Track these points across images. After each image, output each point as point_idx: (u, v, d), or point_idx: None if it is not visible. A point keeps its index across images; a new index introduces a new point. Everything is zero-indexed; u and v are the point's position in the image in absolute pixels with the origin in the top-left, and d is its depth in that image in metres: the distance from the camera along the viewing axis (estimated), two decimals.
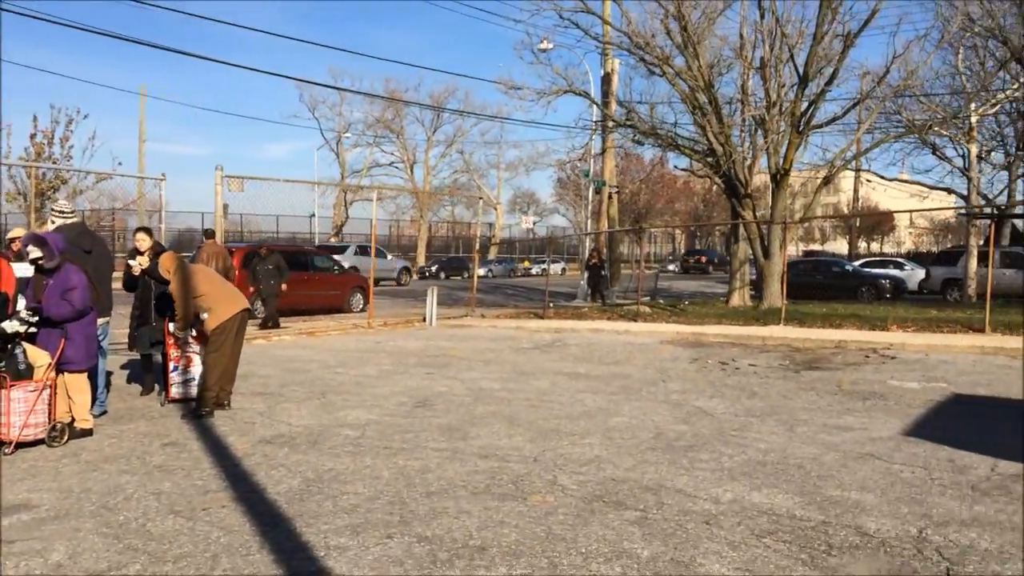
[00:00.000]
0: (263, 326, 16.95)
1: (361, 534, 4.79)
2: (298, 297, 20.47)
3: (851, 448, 7.00)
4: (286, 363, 12.24)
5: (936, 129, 23.79)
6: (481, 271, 48.08)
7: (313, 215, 55.37)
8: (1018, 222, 39.18)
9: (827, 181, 21.31)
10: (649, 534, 4.80)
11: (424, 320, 19.23)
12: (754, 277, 23.31)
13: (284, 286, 17.55)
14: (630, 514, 5.17)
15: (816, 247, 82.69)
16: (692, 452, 6.85)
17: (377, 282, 40.03)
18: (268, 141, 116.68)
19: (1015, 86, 23.14)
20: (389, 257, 43.00)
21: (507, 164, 76.88)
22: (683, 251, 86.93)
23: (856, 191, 53.70)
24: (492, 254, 62.43)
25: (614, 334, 16.72)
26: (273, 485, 5.81)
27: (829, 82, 19.55)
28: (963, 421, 8.16)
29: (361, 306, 22.27)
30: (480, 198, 31.18)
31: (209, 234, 14.77)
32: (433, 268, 51.90)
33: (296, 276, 20.61)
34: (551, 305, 23.14)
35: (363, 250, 42.97)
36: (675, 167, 48.19)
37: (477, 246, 26.08)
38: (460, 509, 5.26)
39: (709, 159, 20.81)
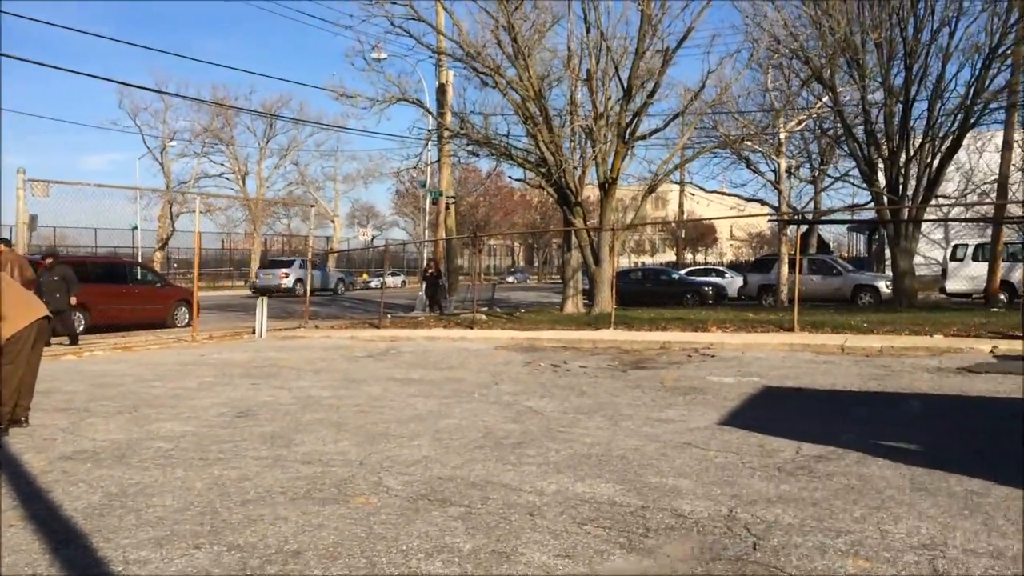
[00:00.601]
0: (73, 342, 15.76)
1: (165, 546, 4.47)
2: (116, 311, 19.27)
3: (671, 438, 7.24)
4: (96, 378, 11.42)
5: (749, 144, 25.33)
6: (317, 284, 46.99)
7: (135, 228, 52.43)
8: (824, 232, 42.26)
9: (652, 190, 22.24)
10: (472, 528, 4.75)
11: (254, 332, 18.52)
12: (587, 286, 23.96)
13: (73, 299, 16.18)
14: (454, 510, 5.11)
15: (647, 259, 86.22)
16: (520, 449, 6.88)
17: (314, 292, 38.73)
18: (86, 152, 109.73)
19: (818, 104, 25.00)
20: (328, 270, 42.19)
21: (344, 176, 75.68)
22: (522, 263, 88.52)
23: (681, 204, 56.40)
24: (330, 268, 61.17)
25: (450, 341, 16.70)
26: (71, 501, 5.35)
27: (651, 95, 20.44)
28: (773, 410, 8.63)
29: (187, 320, 21.19)
30: (312, 206, 30.48)
31: (5, 242, 13.62)
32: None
33: (113, 289, 19.43)
34: (388, 315, 22.87)
35: (305, 264, 41.61)
36: (510, 178, 48.96)
37: (310, 255, 25.44)
38: (277, 515, 5.02)
39: (542, 169, 21.23)
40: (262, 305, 18.71)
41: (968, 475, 5.87)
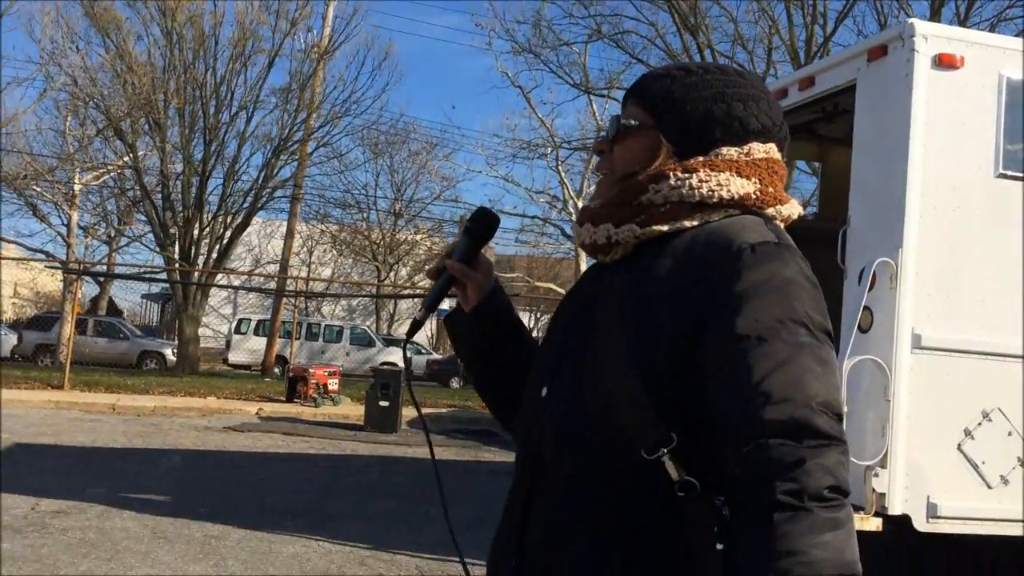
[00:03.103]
0: None
1: None
2: None
3: None
4: None
5: (38, 190, 23.27)
6: None
7: None
8: (119, 299, 40.98)
9: None
10: None
11: None
12: None
13: None
14: None
15: None
16: None
17: None
18: None
19: (118, 162, 24.24)
20: None
21: None
22: None
23: None
24: None
25: None
26: None
27: None
28: (17, 468, 7.68)
29: None
30: None
31: None
32: None
33: None
34: None
35: None
36: None
37: None
38: None
39: None
40: None
41: (211, 522, 5.96)
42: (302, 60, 22.92)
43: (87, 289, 34.60)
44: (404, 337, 1.54)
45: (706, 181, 1.26)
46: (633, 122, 1.33)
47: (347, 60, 24.45)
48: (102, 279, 32.88)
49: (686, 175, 1.27)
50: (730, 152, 1.29)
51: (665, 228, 1.26)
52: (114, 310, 39.83)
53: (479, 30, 23.29)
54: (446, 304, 1.58)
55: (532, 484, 1.27)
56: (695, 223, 1.26)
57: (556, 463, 1.24)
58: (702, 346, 1.16)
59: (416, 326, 1.45)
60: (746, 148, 1.30)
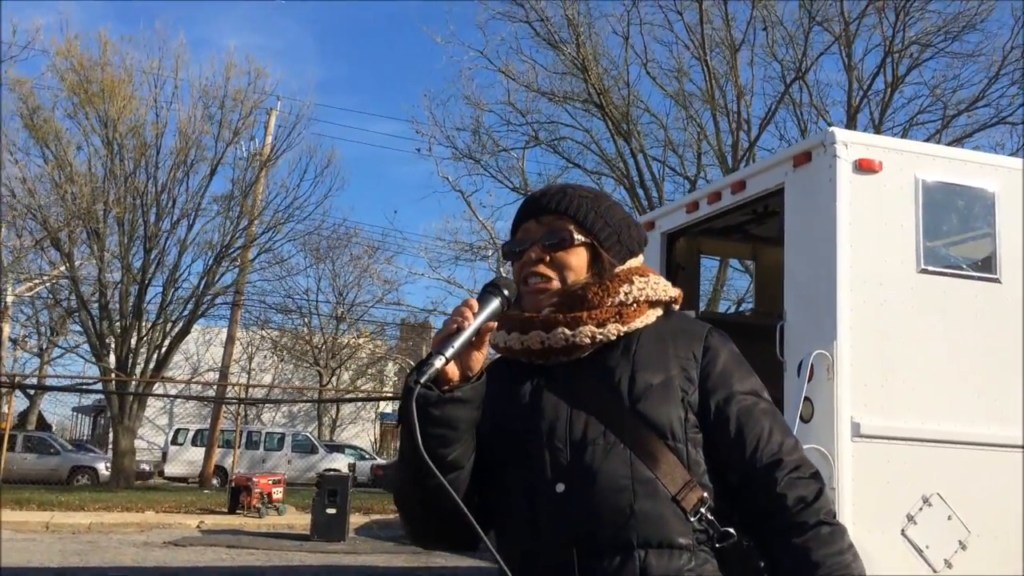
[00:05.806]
0: None
1: None
2: None
3: None
4: None
5: None
6: None
7: None
8: (48, 413, 39.64)
9: None
10: None
11: None
12: None
13: None
14: None
15: None
16: None
17: None
18: None
19: (54, 272, 23.82)
20: None
21: None
22: None
23: None
24: None
25: None
26: None
27: None
28: None
29: None
30: None
31: None
32: None
33: None
34: None
35: None
36: None
37: None
38: None
39: None
40: None
41: None
42: (244, 168, 23.10)
43: (16, 403, 33.54)
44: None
45: (658, 283, 1.53)
46: (582, 238, 1.52)
47: (289, 167, 24.56)
48: (32, 392, 31.86)
49: (644, 278, 1.51)
50: (636, 261, 1.57)
51: (639, 324, 1.48)
52: (43, 424, 38.48)
53: (420, 137, 23.77)
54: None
55: (583, 571, 1.36)
56: (652, 320, 1.50)
57: (611, 544, 1.36)
58: (707, 411, 1.43)
59: (426, 367, 1.29)
60: (640, 258, 1.59)
